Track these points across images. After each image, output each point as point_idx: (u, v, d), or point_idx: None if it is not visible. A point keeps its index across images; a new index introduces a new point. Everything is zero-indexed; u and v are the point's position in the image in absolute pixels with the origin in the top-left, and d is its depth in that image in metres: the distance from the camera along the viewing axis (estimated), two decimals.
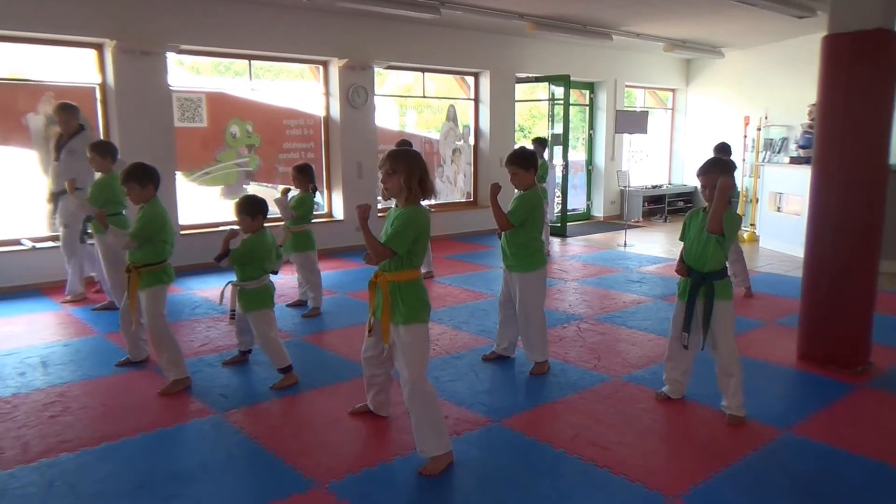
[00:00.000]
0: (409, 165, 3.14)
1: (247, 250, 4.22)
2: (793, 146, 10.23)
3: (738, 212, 6.79)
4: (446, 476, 3.12)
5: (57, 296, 6.51)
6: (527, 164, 4.38)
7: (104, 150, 5.46)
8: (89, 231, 5.71)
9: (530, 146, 8.04)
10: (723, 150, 6.69)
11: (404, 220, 3.10)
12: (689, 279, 3.73)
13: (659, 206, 12.67)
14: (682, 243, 3.85)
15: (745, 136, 10.28)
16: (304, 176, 5.84)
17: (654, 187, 12.97)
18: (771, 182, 9.37)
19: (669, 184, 13.55)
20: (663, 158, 13.72)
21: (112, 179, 5.41)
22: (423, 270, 7.51)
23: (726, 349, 3.69)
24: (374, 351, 3.46)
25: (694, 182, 12.84)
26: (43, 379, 4.37)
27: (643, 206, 12.39)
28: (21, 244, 6.89)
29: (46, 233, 7.15)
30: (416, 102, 10.72)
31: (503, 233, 4.47)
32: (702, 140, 12.80)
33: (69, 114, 6.17)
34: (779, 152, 10.54)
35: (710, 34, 10.67)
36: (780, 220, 9.11)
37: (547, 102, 10.93)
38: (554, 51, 10.94)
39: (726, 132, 11.98)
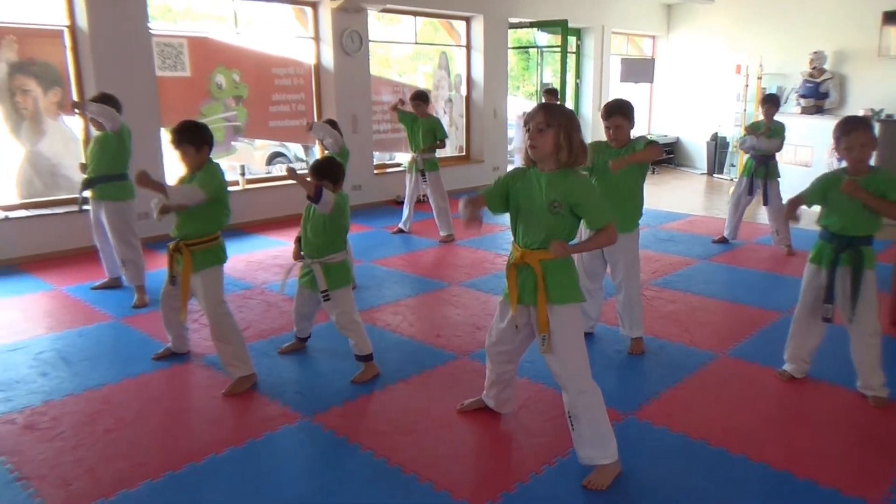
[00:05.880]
0: (568, 120, 2.63)
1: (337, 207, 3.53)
2: (793, 96, 10.06)
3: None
4: (618, 490, 2.69)
5: (41, 272, 5.71)
6: (631, 114, 3.79)
7: (116, 105, 4.70)
8: (86, 196, 4.96)
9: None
10: (773, 100, 6.33)
11: (591, 188, 2.74)
12: (826, 243, 3.41)
13: None
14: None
15: (747, 87, 9.96)
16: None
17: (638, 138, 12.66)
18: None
19: (649, 134, 13.28)
20: (642, 108, 13.42)
21: (118, 137, 4.71)
22: (442, 234, 7.10)
23: (870, 323, 3.40)
24: (512, 345, 2.97)
25: (676, 133, 12.67)
26: (73, 381, 3.70)
27: None
28: None
29: (18, 200, 6.25)
30: (383, 49, 9.79)
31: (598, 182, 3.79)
32: (683, 89, 12.53)
33: None
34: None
35: None
36: (790, 173, 8.93)
37: (528, 51, 10.36)
38: None
39: (712, 81, 11.78)
